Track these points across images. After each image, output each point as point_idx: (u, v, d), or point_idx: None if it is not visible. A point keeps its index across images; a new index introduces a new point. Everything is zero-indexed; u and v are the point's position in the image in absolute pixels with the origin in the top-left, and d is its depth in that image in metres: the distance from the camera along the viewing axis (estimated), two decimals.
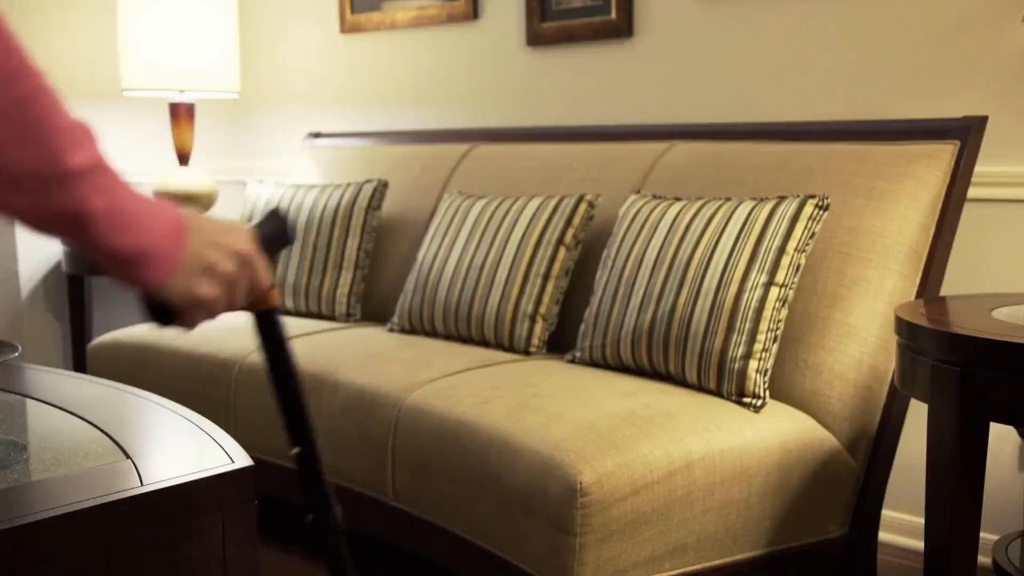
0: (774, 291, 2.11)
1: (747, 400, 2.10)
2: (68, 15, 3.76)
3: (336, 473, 2.47)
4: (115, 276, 0.89)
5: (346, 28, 3.83)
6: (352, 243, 3.11)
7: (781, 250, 2.12)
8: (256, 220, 1.10)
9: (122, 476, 1.40)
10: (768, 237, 2.14)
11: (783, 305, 2.13)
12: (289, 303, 3.18)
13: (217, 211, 4.07)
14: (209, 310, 0.98)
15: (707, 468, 1.94)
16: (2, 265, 3.70)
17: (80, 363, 3.61)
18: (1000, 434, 2.36)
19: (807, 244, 2.14)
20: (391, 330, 2.92)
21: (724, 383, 2.13)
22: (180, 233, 0.91)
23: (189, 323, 0.97)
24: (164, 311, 0.96)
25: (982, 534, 1.87)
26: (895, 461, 2.27)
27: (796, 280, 2.14)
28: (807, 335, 2.20)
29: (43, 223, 0.82)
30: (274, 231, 1.12)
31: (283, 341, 1.16)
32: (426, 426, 2.22)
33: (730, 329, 2.11)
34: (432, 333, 2.82)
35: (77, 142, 0.81)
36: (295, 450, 1.19)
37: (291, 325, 2.98)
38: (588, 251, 2.62)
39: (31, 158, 0.78)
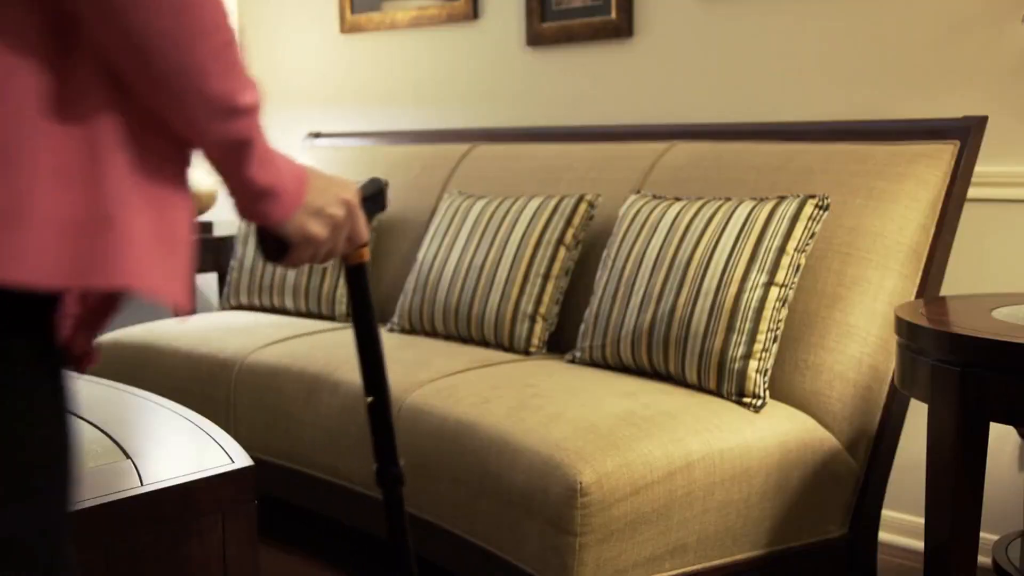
0: (774, 291, 2.11)
1: (747, 400, 2.10)
2: None
3: (336, 473, 2.47)
4: (244, 209, 1.04)
5: (346, 28, 3.83)
6: None
7: (781, 250, 2.12)
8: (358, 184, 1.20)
9: (122, 476, 1.40)
10: (768, 237, 2.14)
11: (783, 305, 2.13)
12: (289, 303, 3.18)
13: (217, 211, 4.07)
14: (315, 249, 1.11)
15: (707, 468, 1.94)
16: None
17: None
18: (1000, 434, 2.36)
19: (807, 244, 2.14)
20: (391, 330, 2.92)
21: (724, 383, 2.13)
22: (303, 179, 1.08)
23: (297, 259, 1.11)
24: (278, 246, 1.08)
25: (982, 534, 1.87)
26: (895, 461, 2.27)
27: (796, 280, 2.14)
28: (807, 335, 2.20)
29: (217, 147, 0.99)
30: (373, 194, 1.23)
31: (368, 295, 1.26)
32: (426, 426, 2.22)
33: (730, 329, 2.11)
34: (432, 333, 2.82)
35: (252, 84, 0.98)
36: (369, 399, 1.27)
37: (291, 325, 2.98)
38: (588, 251, 2.62)
39: (228, 91, 0.95)
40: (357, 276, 1.25)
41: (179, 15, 0.91)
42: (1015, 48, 2.38)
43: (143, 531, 1.34)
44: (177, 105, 0.95)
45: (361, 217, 1.15)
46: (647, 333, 2.24)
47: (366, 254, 1.23)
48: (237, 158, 1.00)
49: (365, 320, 1.28)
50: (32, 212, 0.87)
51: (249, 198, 1.03)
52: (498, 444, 2.03)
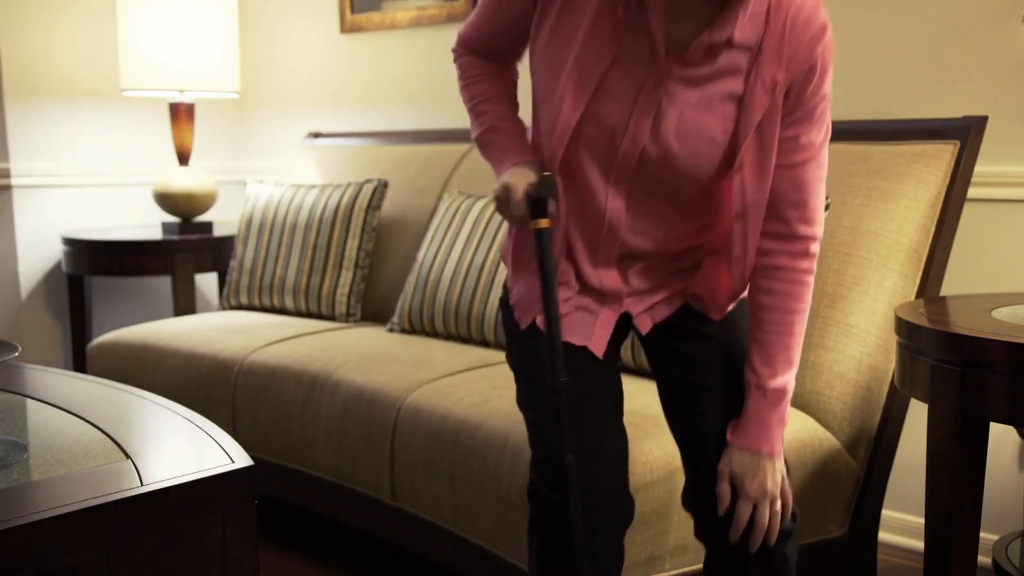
0: None
1: None
2: (68, 15, 3.76)
3: (335, 473, 2.47)
4: None
5: (346, 28, 3.83)
6: (352, 243, 3.11)
7: None
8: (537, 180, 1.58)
9: (122, 476, 1.40)
10: None
11: None
12: (289, 303, 3.18)
13: (217, 211, 4.08)
14: (498, 207, 1.60)
15: None
16: (2, 265, 3.70)
17: (80, 363, 3.61)
18: (1000, 434, 2.36)
19: None
20: (391, 330, 2.92)
21: None
22: (501, 167, 1.62)
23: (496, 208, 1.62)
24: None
25: (982, 534, 1.87)
26: (895, 461, 2.27)
27: None
28: (807, 335, 2.20)
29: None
30: (540, 181, 1.55)
31: (546, 254, 1.54)
32: (426, 426, 2.22)
33: None
34: (432, 333, 2.82)
35: (474, 130, 1.71)
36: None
37: (291, 325, 2.98)
38: None
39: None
40: (538, 238, 1.55)
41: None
42: (1015, 48, 2.38)
43: (143, 531, 1.33)
44: None
45: (514, 198, 1.54)
46: None
47: (543, 223, 1.54)
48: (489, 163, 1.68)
49: (546, 273, 1.54)
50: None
51: None
52: (498, 444, 2.03)
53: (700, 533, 1.68)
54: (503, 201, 1.56)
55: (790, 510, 1.61)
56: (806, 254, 1.54)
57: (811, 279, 1.57)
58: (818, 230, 1.55)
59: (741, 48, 1.44)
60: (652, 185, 1.53)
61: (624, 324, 1.67)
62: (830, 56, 1.49)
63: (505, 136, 1.64)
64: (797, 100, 1.47)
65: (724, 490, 1.58)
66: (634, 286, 1.63)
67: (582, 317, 1.62)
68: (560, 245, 1.60)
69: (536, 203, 1.54)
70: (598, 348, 1.62)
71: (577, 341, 1.61)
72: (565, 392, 1.51)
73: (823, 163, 1.52)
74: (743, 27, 1.42)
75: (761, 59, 1.44)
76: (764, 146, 1.47)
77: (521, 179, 1.55)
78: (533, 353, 1.61)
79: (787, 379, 1.59)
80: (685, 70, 1.45)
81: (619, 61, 1.46)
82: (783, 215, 1.52)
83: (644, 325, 1.65)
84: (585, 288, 1.63)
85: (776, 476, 1.58)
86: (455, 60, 1.71)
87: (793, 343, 1.58)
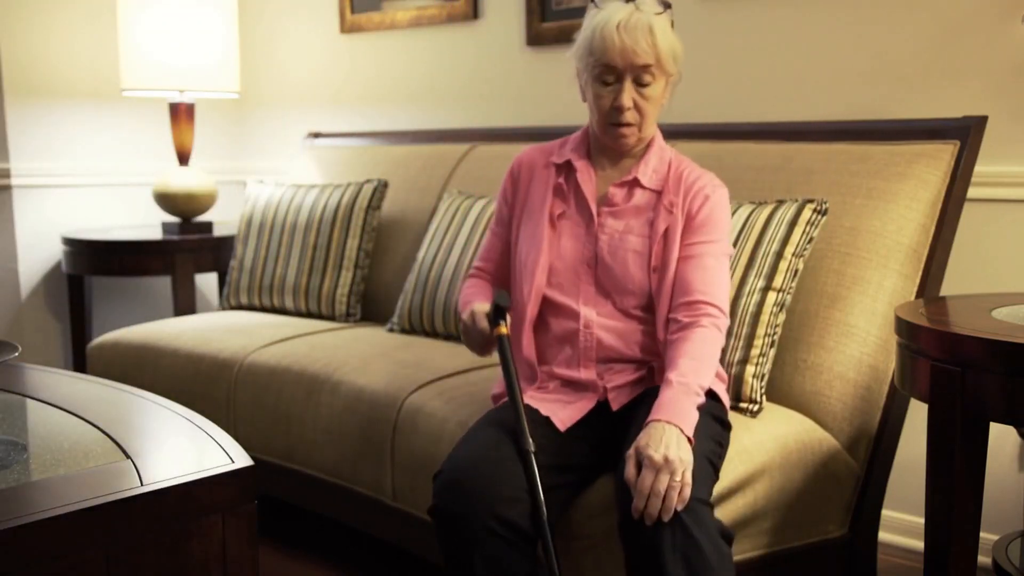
0: (771, 296, 2.11)
1: (744, 406, 2.10)
2: (68, 15, 3.76)
3: (336, 473, 2.47)
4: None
5: (346, 28, 3.83)
6: (352, 243, 3.11)
7: (779, 255, 2.12)
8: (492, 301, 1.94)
9: (122, 476, 1.40)
10: (766, 242, 2.14)
11: (780, 310, 2.12)
12: (289, 303, 3.18)
13: (217, 211, 4.08)
14: (463, 331, 1.99)
15: None
16: (2, 265, 3.70)
17: (80, 363, 3.61)
18: (1000, 434, 2.36)
19: (805, 249, 2.14)
20: (391, 330, 2.92)
21: None
22: (467, 308, 2.01)
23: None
24: None
25: (982, 534, 1.87)
26: (895, 461, 2.27)
27: (794, 285, 2.14)
28: (807, 335, 2.20)
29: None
30: (495, 303, 1.90)
31: (507, 355, 1.85)
32: (426, 426, 2.22)
33: (727, 334, 2.11)
34: (432, 333, 2.82)
35: (463, 305, 2.06)
36: (531, 449, 1.75)
37: (291, 325, 2.98)
38: None
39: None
40: (500, 342, 1.88)
41: None
42: (1015, 48, 2.38)
43: (143, 531, 1.34)
44: None
45: (477, 320, 1.93)
46: None
47: (501, 329, 1.88)
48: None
49: (507, 368, 1.85)
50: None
51: None
52: None
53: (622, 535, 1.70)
54: (469, 325, 1.93)
55: (689, 489, 1.61)
56: (708, 315, 1.82)
57: (716, 332, 1.82)
58: (722, 305, 1.85)
59: (648, 190, 1.93)
60: (607, 294, 1.92)
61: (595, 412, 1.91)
62: (725, 198, 1.94)
63: (472, 295, 2.07)
64: (694, 217, 1.90)
65: (630, 471, 1.64)
66: (606, 379, 1.91)
67: (560, 407, 1.89)
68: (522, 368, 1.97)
69: (496, 312, 1.88)
70: (562, 424, 1.86)
71: (544, 412, 1.87)
72: (535, 454, 1.73)
73: (724, 260, 1.89)
74: (647, 175, 1.93)
75: (664, 193, 1.92)
76: (668, 249, 1.89)
77: (481, 307, 1.94)
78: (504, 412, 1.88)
79: (697, 380, 1.75)
80: (611, 207, 1.94)
81: (568, 214, 1.96)
82: (690, 292, 1.85)
83: (616, 402, 1.89)
84: (566, 384, 1.93)
85: (682, 452, 1.63)
86: (467, 278, 2.13)
87: (701, 364, 1.77)
